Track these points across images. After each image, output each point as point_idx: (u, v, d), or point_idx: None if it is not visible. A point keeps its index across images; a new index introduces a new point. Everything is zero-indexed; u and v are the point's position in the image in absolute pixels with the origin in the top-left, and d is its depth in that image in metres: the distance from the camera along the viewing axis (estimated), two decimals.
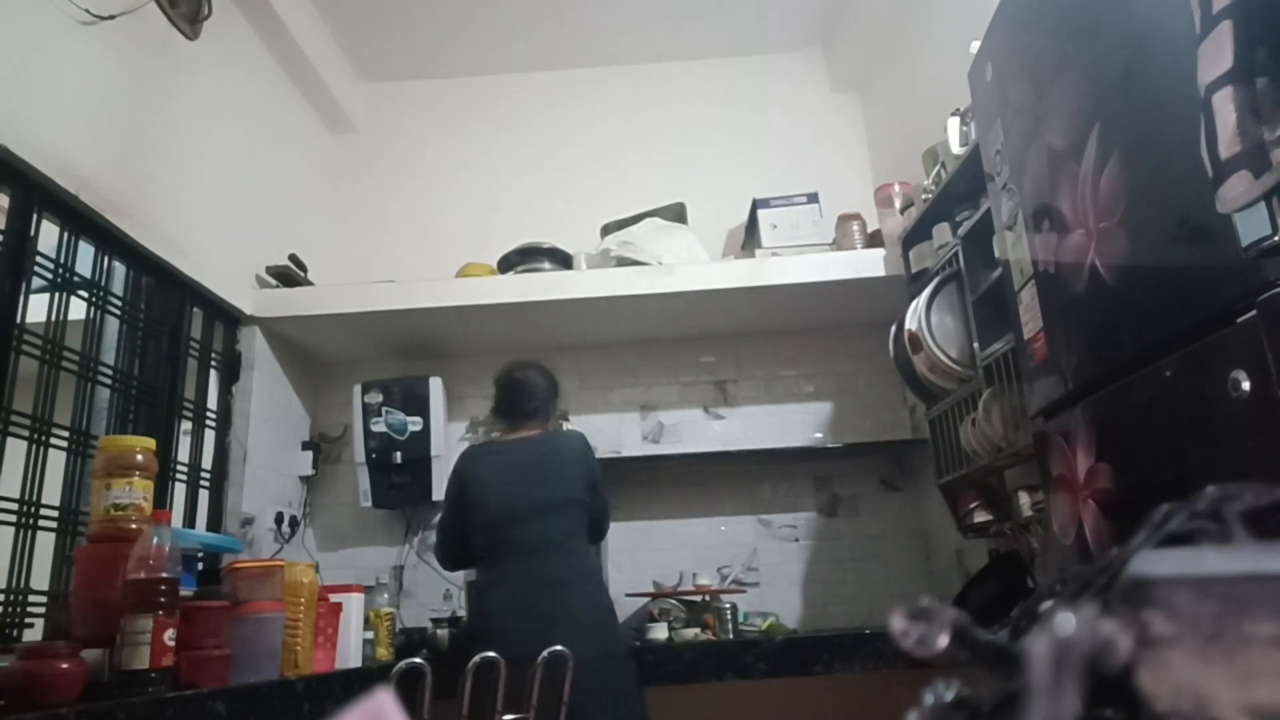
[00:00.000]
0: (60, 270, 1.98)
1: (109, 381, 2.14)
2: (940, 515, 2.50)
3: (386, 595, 2.79)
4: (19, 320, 1.82)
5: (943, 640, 0.34)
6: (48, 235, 1.93)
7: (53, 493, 1.91)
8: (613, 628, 2.15)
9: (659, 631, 2.61)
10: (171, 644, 1.41)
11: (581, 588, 2.12)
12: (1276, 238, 0.87)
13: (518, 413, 2.36)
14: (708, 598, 2.72)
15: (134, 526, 1.52)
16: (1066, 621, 0.32)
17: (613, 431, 3.18)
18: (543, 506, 2.17)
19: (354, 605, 2.28)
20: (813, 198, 3.01)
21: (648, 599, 2.82)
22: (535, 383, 2.39)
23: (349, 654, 2.23)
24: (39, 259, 1.91)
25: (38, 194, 1.88)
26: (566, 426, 3.15)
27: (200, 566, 2.09)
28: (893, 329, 2.41)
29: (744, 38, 3.47)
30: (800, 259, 2.82)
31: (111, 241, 2.14)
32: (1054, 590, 0.42)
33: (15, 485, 1.81)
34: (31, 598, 1.81)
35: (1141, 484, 1.17)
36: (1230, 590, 0.31)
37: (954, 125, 2.09)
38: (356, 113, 3.54)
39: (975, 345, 2.04)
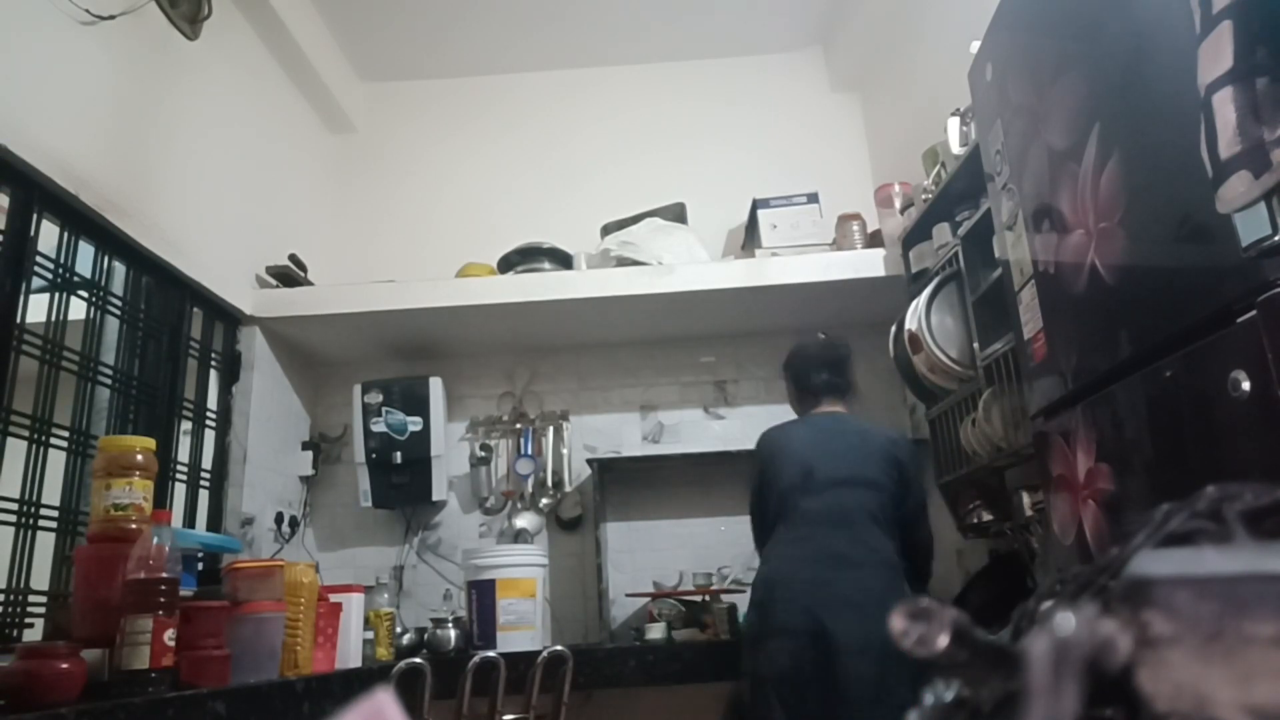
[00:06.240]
0: (60, 270, 1.98)
1: (109, 381, 2.14)
2: (940, 515, 2.49)
3: (386, 595, 2.80)
4: (19, 320, 1.82)
5: (942, 640, 0.34)
6: (48, 235, 1.93)
7: (53, 493, 1.90)
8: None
9: (659, 631, 2.61)
10: (171, 644, 1.41)
11: (873, 569, 1.99)
12: (1276, 238, 0.87)
13: (817, 387, 2.27)
14: (708, 598, 2.71)
15: (134, 526, 1.52)
16: (1066, 621, 0.32)
17: (613, 431, 3.17)
18: (830, 480, 2.08)
19: (354, 605, 2.28)
20: (813, 198, 3.01)
21: (648, 599, 2.82)
22: (843, 356, 2.31)
23: (349, 654, 2.23)
24: (39, 259, 1.91)
25: (38, 194, 1.88)
26: (566, 426, 3.16)
27: (200, 566, 2.09)
28: (893, 329, 2.41)
29: (744, 38, 3.47)
30: (800, 259, 2.82)
31: (111, 241, 2.14)
32: (1054, 590, 0.42)
33: (15, 485, 1.81)
34: (31, 598, 1.81)
35: (1141, 484, 1.17)
36: (1230, 590, 0.31)
37: (954, 125, 2.09)
38: (356, 113, 3.54)
39: (975, 345, 2.04)
